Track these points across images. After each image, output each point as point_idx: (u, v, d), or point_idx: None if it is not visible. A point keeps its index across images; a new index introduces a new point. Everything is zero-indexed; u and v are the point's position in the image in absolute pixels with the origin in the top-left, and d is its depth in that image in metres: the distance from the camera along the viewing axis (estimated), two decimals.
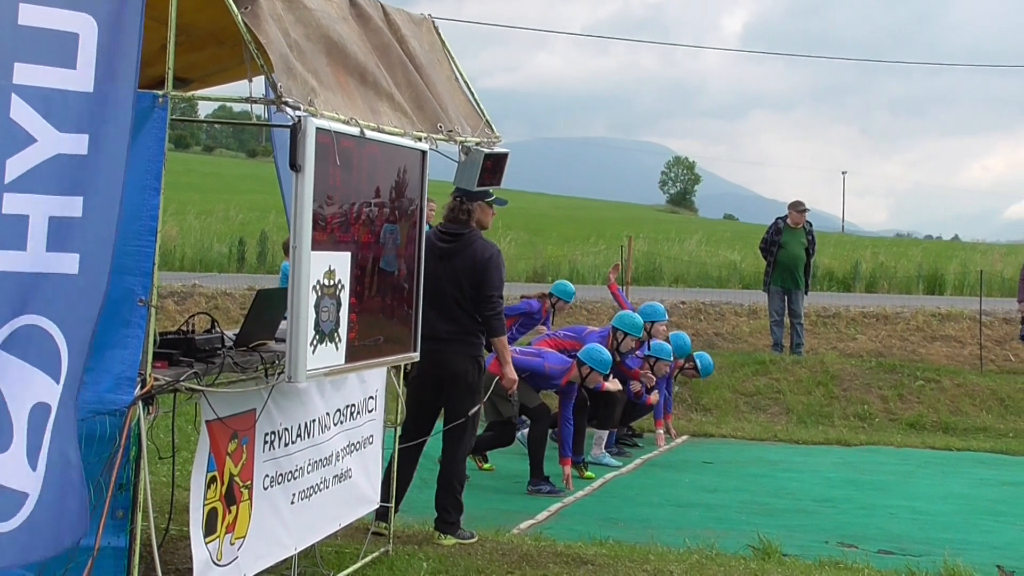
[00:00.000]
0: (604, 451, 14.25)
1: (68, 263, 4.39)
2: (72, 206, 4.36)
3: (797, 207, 20.46)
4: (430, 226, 9.78)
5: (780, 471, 14.33)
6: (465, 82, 8.53)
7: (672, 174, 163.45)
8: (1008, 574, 9.64)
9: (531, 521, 10.88)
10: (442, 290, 9.17)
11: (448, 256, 9.31)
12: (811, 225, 20.60)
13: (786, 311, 20.32)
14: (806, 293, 20.65)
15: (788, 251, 20.11)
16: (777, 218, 20.79)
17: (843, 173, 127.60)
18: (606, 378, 13.21)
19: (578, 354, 12.87)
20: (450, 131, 7.87)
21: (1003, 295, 26.42)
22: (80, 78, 4.37)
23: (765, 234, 20.78)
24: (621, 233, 33.15)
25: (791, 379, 18.92)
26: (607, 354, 12.96)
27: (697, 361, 16.24)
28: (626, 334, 13.77)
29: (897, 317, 23.68)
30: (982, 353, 21.58)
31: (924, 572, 9.18)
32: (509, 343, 11.13)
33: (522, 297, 16.84)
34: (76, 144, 4.37)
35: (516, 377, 10.04)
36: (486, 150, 8.24)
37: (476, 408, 9.51)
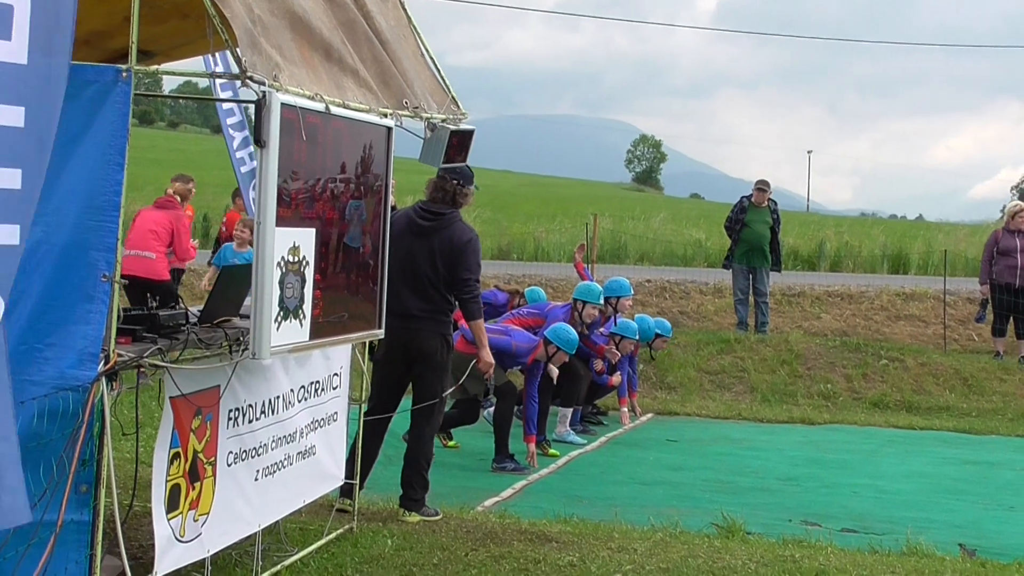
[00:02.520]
0: (569, 429, 14.26)
1: (10, 234, 4.35)
2: (12, 178, 4.32)
3: (760, 185, 20.54)
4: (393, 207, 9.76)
5: (744, 449, 14.39)
6: (431, 58, 8.49)
7: (638, 152, 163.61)
8: (969, 552, 9.69)
9: (496, 498, 10.89)
10: (416, 268, 9.18)
11: (426, 234, 9.29)
12: (776, 204, 20.66)
13: (751, 290, 20.40)
14: (779, 270, 20.75)
15: (752, 230, 20.17)
16: (742, 197, 20.86)
17: (808, 152, 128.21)
18: (568, 359, 13.26)
19: (545, 332, 12.89)
20: (416, 108, 7.84)
21: (967, 275, 26.54)
22: (15, 50, 4.32)
23: (730, 212, 20.85)
24: (586, 211, 33.15)
25: (756, 358, 18.98)
26: (574, 334, 12.99)
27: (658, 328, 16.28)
28: (585, 303, 13.80)
29: (862, 296, 23.78)
30: (946, 332, 21.70)
31: (887, 550, 9.22)
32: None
33: (494, 286, 16.82)
34: (12, 116, 4.33)
35: (492, 360, 10.06)
36: (452, 127, 8.22)
37: (451, 388, 9.53)
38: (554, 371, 13.46)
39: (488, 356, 9.88)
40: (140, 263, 15.17)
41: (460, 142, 8.33)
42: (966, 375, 18.77)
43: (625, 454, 13.75)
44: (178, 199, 16.48)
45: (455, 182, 9.35)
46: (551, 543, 8.56)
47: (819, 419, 16.83)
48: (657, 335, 16.24)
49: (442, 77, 8.51)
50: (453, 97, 8.49)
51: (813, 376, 18.63)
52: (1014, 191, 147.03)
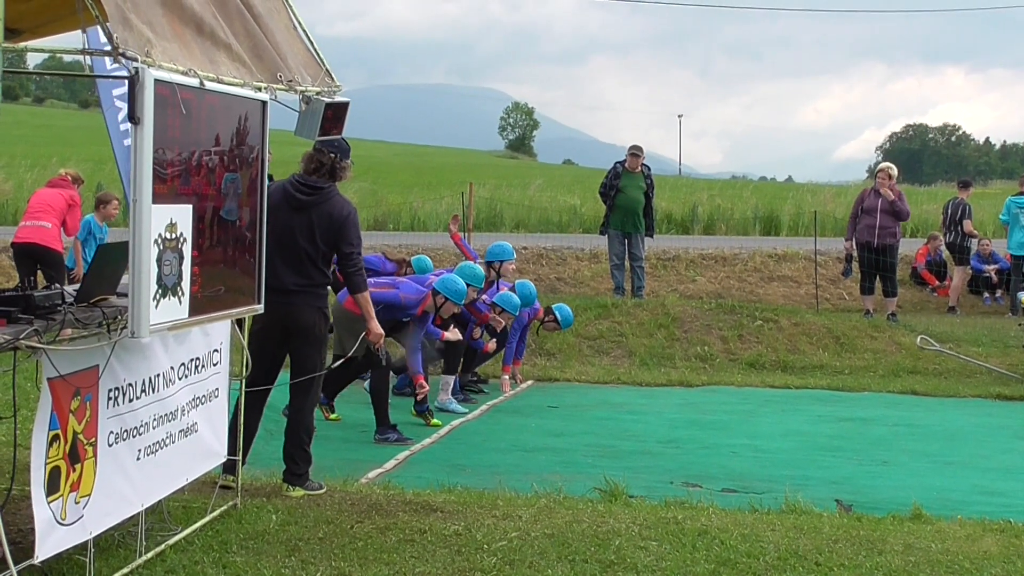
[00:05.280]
0: (451, 397, 14.29)
1: None
2: None
3: (633, 151, 20.70)
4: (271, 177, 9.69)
5: (624, 414, 14.51)
6: (304, 30, 8.44)
7: (511, 120, 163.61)
8: (846, 508, 9.89)
9: (379, 470, 10.88)
10: (294, 242, 9.07)
11: (304, 208, 9.19)
12: (649, 169, 20.85)
13: (626, 255, 20.57)
14: (651, 236, 20.93)
15: (627, 195, 20.35)
16: (616, 162, 21.00)
17: (679, 116, 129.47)
18: (459, 309, 13.32)
19: (434, 284, 12.91)
20: (290, 81, 7.80)
21: (836, 235, 27.03)
22: None
23: (604, 179, 20.98)
24: (462, 179, 33.16)
25: (633, 322, 19.11)
26: (462, 284, 13.05)
27: (557, 313, 16.34)
28: (468, 285, 13.86)
29: (735, 258, 24.13)
30: (817, 292, 22.11)
31: (767, 509, 9.36)
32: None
33: (382, 252, 16.79)
34: None
35: (382, 332, 10.02)
36: (327, 99, 8.19)
37: (352, 351, 9.51)
38: (455, 334, 13.58)
39: (377, 328, 9.84)
40: (37, 232, 16.43)
41: (335, 114, 8.30)
42: (838, 334, 19.07)
43: (507, 421, 13.81)
44: (70, 179, 17.39)
45: (332, 155, 9.28)
46: (436, 513, 8.59)
47: (697, 381, 17.02)
48: (552, 319, 16.35)
49: (315, 49, 8.47)
50: (327, 69, 8.45)
51: (690, 339, 18.81)
52: (878, 151, 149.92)
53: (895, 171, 20.67)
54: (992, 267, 23.35)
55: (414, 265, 15.84)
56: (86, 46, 6.03)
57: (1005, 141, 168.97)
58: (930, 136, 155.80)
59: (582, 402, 15.27)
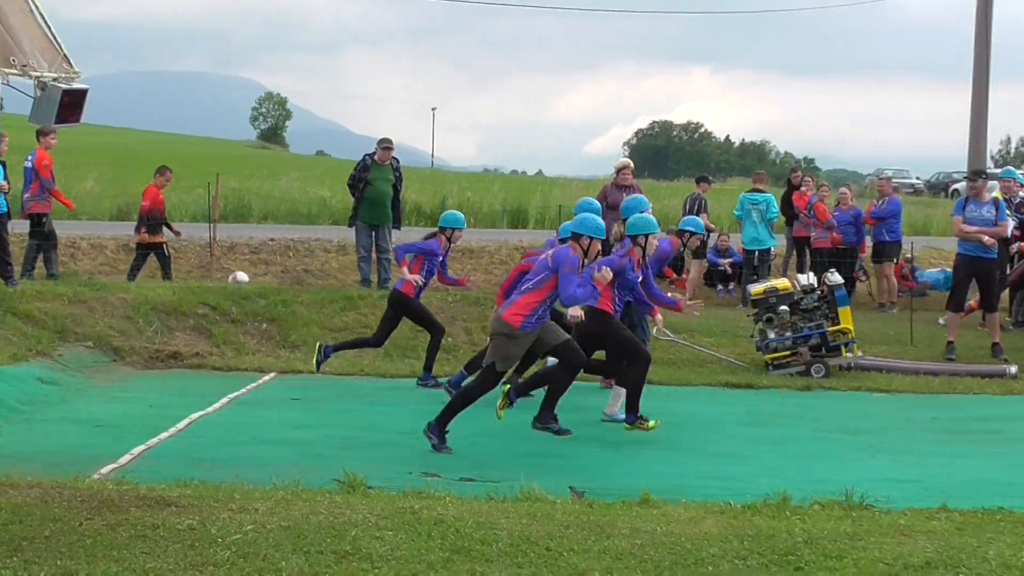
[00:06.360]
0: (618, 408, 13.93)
1: None
2: None
3: (384, 144, 20.77)
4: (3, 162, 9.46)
5: (367, 405, 14.59)
6: (40, 15, 8.28)
7: (263, 110, 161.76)
8: (579, 494, 10.13)
9: (113, 465, 10.71)
10: None
11: None
12: (398, 161, 20.96)
13: (373, 247, 20.63)
14: (398, 228, 21.01)
15: (375, 187, 20.43)
16: (365, 155, 21.03)
17: (432, 109, 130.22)
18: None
19: (570, 229, 12.30)
20: (24, 65, 7.66)
21: None
22: None
23: (353, 171, 21.00)
24: (211, 170, 32.73)
25: (379, 314, 19.05)
26: (596, 220, 12.22)
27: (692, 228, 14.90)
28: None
29: (482, 251, 24.39)
30: None
31: (502, 496, 9.51)
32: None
33: (425, 238, 16.32)
34: None
35: None
36: (64, 86, 8.06)
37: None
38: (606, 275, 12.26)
39: None
40: None
41: (72, 101, 8.20)
42: None
43: (248, 413, 13.72)
44: None
45: None
46: (170, 507, 8.47)
47: (439, 372, 17.11)
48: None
49: (53, 34, 8.32)
50: (65, 55, 8.32)
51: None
52: (626, 146, 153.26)
53: (632, 165, 21.18)
54: (726, 260, 24.22)
55: (444, 222, 15.95)
56: None
57: (744, 139, 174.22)
58: (675, 133, 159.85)
59: (325, 394, 15.26)
